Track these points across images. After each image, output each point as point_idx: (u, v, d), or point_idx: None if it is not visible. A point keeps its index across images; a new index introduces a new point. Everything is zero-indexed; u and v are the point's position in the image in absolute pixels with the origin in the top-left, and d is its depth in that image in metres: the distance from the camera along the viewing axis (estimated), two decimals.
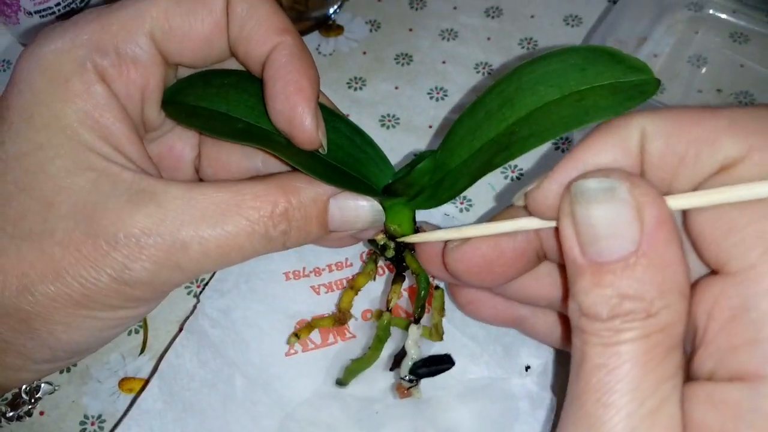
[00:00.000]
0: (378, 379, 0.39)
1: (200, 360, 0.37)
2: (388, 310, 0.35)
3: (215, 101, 0.33)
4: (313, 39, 0.55)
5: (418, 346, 0.34)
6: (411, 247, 0.35)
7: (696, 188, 0.23)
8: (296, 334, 0.39)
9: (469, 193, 0.47)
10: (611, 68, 0.27)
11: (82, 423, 0.39)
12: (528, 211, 0.27)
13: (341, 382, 0.38)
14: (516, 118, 0.28)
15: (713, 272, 0.23)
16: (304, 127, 0.30)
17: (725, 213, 0.22)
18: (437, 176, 0.32)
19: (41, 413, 0.39)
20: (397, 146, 0.49)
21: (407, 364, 0.34)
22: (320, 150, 0.32)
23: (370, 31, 0.56)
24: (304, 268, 0.42)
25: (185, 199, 0.29)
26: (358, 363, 0.37)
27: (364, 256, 0.43)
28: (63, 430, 0.39)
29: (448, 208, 0.46)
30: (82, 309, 0.29)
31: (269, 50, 0.31)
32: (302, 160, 0.31)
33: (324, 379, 0.39)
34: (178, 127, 0.36)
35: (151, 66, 0.31)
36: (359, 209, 0.32)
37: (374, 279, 0.38)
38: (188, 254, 0.29)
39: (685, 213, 0.25)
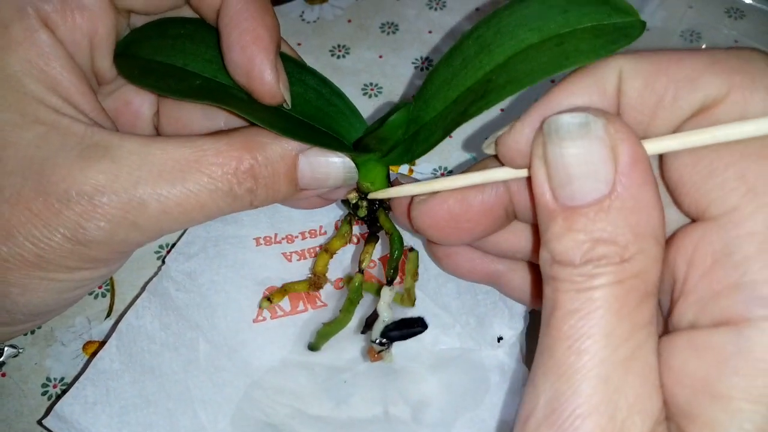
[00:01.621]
0: (346, 347, 0.38)
1: (162, 323, 0.36)
2: (360, 271, 0.33)
3: (171, 54, 0.31)
4: (297, 6, 0.54)
5: (390, 309, 0.33)
6: (386, 206, 0.33)
7: (674, 132, 0.22)
8: (268, 298, 0.38)
9: (450, 164, 0.46)
10: (595, 9, 0.25)
11: (44, 385, 0.38)
12: (499, 159, 0.26)
13: (313, 347, 0.37)
14: (494, 65, 0.27)
15: (693, 221, 0.22)
16: (264, 79, 0.29)
17: (705, 156, 0.21)
18: (412, 130, 0.30)
19: (2, 374, 0.39)
20: (379, 116, 0.47)
21: (379, 326, 0.33)
22: (284, 105, 0.30)
23: None
24: (275, 235, 0.41)
25: (142, 155, 0.27)
26: (329, 326, 0.36)
27: (339, 223, 0.42)
28: (24, 392, 0.38)
29: (426, 177, 0.45)
30: (37, 270, 0.28)
31: None
32: (266, 117, 0.29)
33: (292, 347, 0.38)
34: None
35: (99, 11, 0.30)
36: (330, 166, 0.31)
37: (350, 240, 0.37)
38: (146, 213, 0.27)
39: (662, 160, 0.23)
